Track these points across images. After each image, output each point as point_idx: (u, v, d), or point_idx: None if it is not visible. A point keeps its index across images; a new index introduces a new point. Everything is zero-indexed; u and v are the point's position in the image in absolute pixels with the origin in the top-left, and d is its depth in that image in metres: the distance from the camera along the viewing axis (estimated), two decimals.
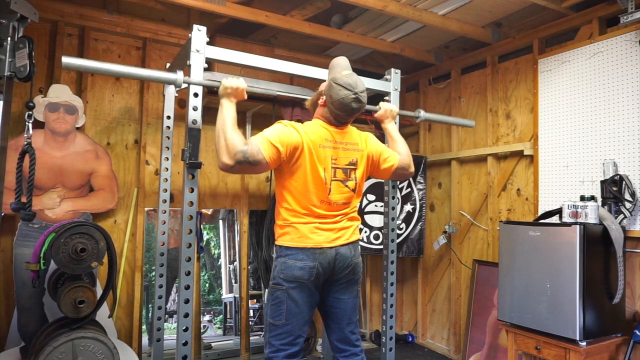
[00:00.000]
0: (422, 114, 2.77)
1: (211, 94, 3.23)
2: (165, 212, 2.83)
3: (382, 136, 2.54)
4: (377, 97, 2.91)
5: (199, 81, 2.05)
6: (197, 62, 2.09)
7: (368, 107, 2.53)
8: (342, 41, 3.50)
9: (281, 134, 1.88)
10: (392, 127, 2.42)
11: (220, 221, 3.72)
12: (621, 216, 2.51)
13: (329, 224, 1.97)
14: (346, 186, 2.00)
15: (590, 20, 2.83)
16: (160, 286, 2.82)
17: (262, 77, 3.14)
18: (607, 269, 2.42)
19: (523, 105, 3.31)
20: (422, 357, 3.74)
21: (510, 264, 2.67)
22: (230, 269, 3.67)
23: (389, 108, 2.43)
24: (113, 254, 2.42)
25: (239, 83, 1.95)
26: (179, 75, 2.02)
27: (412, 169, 2.31)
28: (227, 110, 1.89)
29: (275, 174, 2.00)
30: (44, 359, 2.11)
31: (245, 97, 1.99)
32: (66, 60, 1.78)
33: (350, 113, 1.96)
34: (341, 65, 2.06)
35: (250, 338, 3.58)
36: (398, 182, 3.06)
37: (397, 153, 2.25)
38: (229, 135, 1.80)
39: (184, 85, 2.07)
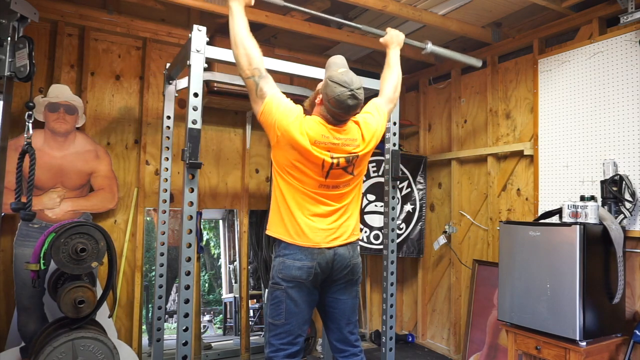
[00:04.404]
0: (429, 46, 2.73)
1: (211, 94, 3.24)
2: (165, 212, 2.83)
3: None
4: (377, 96, 2.91)
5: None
6: (197, 62, 2.09)
7: (374, 31, 2.50)
8: (342, 41, 3.50)
9: (286, 116, 1.87)
10: (394, 54, 2.39)
11: (220, 221, 3.73)
12: (621, 216, 2.51)
13: (328, 221, 1.96)
14: (345, 171, 1.98)
15: (590, 20, 2.83)
16: (160, 286, 2.82)
17: None
18: (607, 269, 2.42)
19: (523, 105, 3.31)
20: (422, 357, 3.74)
21: (510, 264, 2.67)
22: (230, 269, 3.67)
23: (395, 34, 2.42)
24: (113, 254, 2.42)
25: None
26: None
27: (397, 97, 2.32)
28: (238, 15, 1.92)
29: (272, 159, 1.99)
30: (44, 359, 2.11)
31: (252, 2, 2.01)
32: None
33: (346, 110, 1.92)
34: (337, 63, 2.05)
35: (250, 338, 3.58)
36: (398, 182, 3.06)
37: (382, 86, 2.29)
38: (247, 43, 1.88)
39: None
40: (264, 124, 1.91)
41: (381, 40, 2.45)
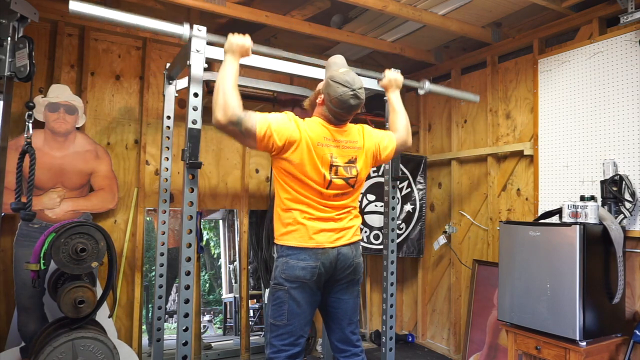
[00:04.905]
0: (427, 85, 2.77)
1: (211, 94, 3.23)
2: (165, 212, 2.83)
3: None
4: (376, 96, 2.91)
5: (205, 37, 2.09)
6: (197, 62, 2.09)
7: (372, 75, 2.52)
8: (342, 41, 3.50)
9: (282, 124, 1.88)
10: (395, 98, 2.40)
11: (220, 221, 3.72)
12: (621, 216, 2.51)
13: (331, 222, 1.96)
14: (347, 183, 1.99)
15: (590, 20, 2.83)
16: (160, 286, 2.81)
17: (262, 76, 3.14)
18: (607, 269, 2.42)
19: (523, 105, 3.31)
20: (422, 357, 3.74)
21: (510, 264, 2.68)
22: (230, 269, 3.67)
23: (394, 77, 2.42)
24: (113, 254, 2.41)
25: (245, 40, 1.98)
26: (185, 29, 2.06)
27: (410, 141, 2.33)
28: (230, 67, 1.91)
29: (274, 169, 1.99)
30: (44, 359, 2.11)
31: (250, 54, 2.02)
32: (73, 6, 1.93)
33: (348, 110, 1.94)
34: (338, 63, 2.06)
35: (250, 338, 3.58)
36: (398, 182, 3.06)
37: (394, 130, 2.28)
38: (228, 93, 1.83)
39: (192, 41, 2.08)
40: (266, 148, 1.89)
41: (380, 84, 2.47)
